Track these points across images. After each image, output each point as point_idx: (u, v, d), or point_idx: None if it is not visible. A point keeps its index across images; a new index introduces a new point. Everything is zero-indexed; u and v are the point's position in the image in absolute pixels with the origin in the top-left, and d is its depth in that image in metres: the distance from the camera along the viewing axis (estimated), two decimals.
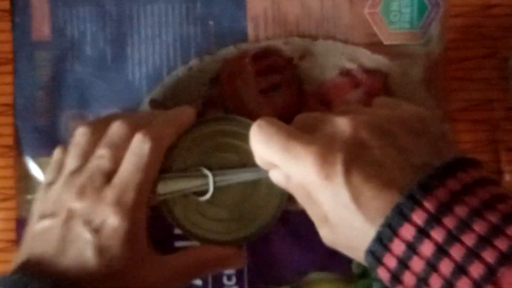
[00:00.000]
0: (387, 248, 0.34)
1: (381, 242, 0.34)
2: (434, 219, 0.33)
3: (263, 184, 0.45)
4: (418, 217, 0.33)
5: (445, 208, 0.33)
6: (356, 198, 0.35)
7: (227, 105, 0.49)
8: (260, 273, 0.50)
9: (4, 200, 0.50)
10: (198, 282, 0.49)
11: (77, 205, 0.41)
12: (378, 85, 0.49)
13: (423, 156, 0.36)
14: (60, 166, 0.44)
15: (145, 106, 0.49)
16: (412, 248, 0.33)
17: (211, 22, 0.50)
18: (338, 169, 0.36)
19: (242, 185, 0.45)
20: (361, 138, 0.37)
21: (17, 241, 0.49)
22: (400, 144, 0.37)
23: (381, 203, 0.34)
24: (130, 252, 0.41)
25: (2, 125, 0.50)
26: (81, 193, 0.41)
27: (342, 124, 0.38)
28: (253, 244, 0.48)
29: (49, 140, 0.50)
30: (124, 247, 0.40)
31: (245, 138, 0.44)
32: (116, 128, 0.43)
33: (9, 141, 0.50)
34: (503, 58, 0.49)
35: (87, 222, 0.40)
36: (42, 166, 0.50)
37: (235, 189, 0.45)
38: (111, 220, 0.40)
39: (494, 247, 0.31)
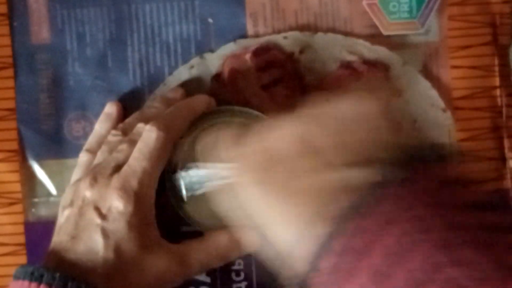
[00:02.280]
0: None
1: None
2: None
3: None
4: None
5: None
6: None
7: (229, 102, 0.49)
8: (267, 268, 0.50)
9: (11, 204, 0.50)
10: (207, 278, 0.50)
11: (89, 193, 0.43)
12: (379, 76, 0.49)
13: (312, 204, 0.32)
14: (87, 166, 0.46)
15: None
16: None
17: (210, 20, 0.50)
18: None
19: None
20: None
21: (26, 244, 0.50)
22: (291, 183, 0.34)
23: None
24: (138, 236, 0.42)
25: (5, 130, 0.50)
26: (93, 181, 0.43)
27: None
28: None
29: (53, 142, 0.50)
30: (131, 231, 0.42)
31: None
32: (140, 127, 0.45)
33: (13, 145, 0.50)
34: (503, 45, 0.49)
35: (96, 207, 0.42)
36: (47, 169, 0.50)
37: None
38: (116, 203, 0.42)
39: None
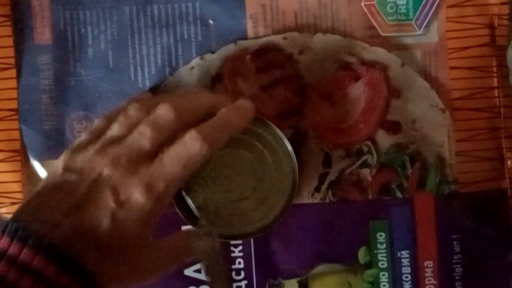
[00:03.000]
0: None
1: None
2: None
3: (272, 181, 0.46)
4: None
5: None
6: None
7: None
8: (267, 267, 0.50)
9: (12, 204, 0.50)
10: (208, 278, 0.50)
11: (109, 171, 0.41)
12: (378, 77, 0.49)
13: None
14: (99, 133, 0.44)
15: None
16: None
17: (211, 21, 0.50)
18: None
19: (250, 180, 0.46)
20: None
21: None
22: None
23: None
24: (141, 233, 0.41)
25: (8, 130, 0.50)
26: (116, 161, 0.41)
27: None
28: (260, 238, 0.48)
29: (55, 143, 0.51)
30: (139, 227, 0.41)
31: (254, 133, 0.45)
32: (164, 111, 0.43)
33: (16, 145, 0.50)
34: (501, 46, 0.50)
35: (115, 191, 0.41)
36: (49, 169, 0.50)
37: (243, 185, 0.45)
38: (138, 197, 0.41)
39: None
